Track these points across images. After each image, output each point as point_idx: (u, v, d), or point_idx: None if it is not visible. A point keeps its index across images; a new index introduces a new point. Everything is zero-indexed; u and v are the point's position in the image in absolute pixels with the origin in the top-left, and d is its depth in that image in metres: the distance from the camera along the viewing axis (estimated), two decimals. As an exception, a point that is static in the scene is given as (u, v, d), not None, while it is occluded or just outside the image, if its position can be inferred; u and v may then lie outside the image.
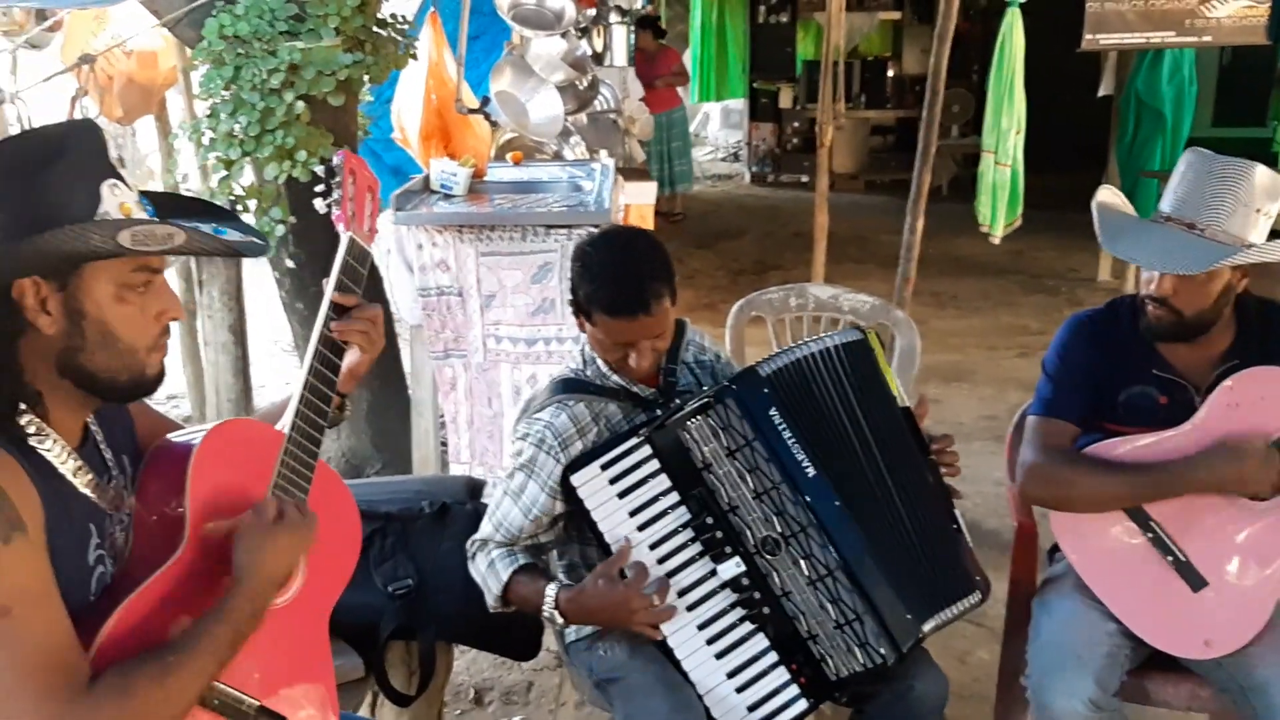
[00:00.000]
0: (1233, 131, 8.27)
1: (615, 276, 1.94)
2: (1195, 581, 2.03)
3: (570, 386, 2.06)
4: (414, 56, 3.59)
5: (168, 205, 1.53)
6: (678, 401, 1.99)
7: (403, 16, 3.55)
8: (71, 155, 1.34)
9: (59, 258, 1.31)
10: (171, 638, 1.37)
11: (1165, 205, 2.08)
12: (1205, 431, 2.02)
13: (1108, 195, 2.20)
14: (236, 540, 1.45)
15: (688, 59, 11.27)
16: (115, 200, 1.36)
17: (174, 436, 1.56)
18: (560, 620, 1.93)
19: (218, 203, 3.06)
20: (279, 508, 1.49)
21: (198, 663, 1.35)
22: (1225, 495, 2.00)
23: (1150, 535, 2.06)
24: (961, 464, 2.09)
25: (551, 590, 1.92)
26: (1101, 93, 7.45)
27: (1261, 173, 2.01)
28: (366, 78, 3.34)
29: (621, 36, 7.77)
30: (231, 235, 1.52)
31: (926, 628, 1.93)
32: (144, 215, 1.40)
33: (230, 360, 3.37)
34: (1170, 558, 2.04)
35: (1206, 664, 2.04)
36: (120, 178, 1.40)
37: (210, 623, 1.38)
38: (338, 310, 1.65)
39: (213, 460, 1.47)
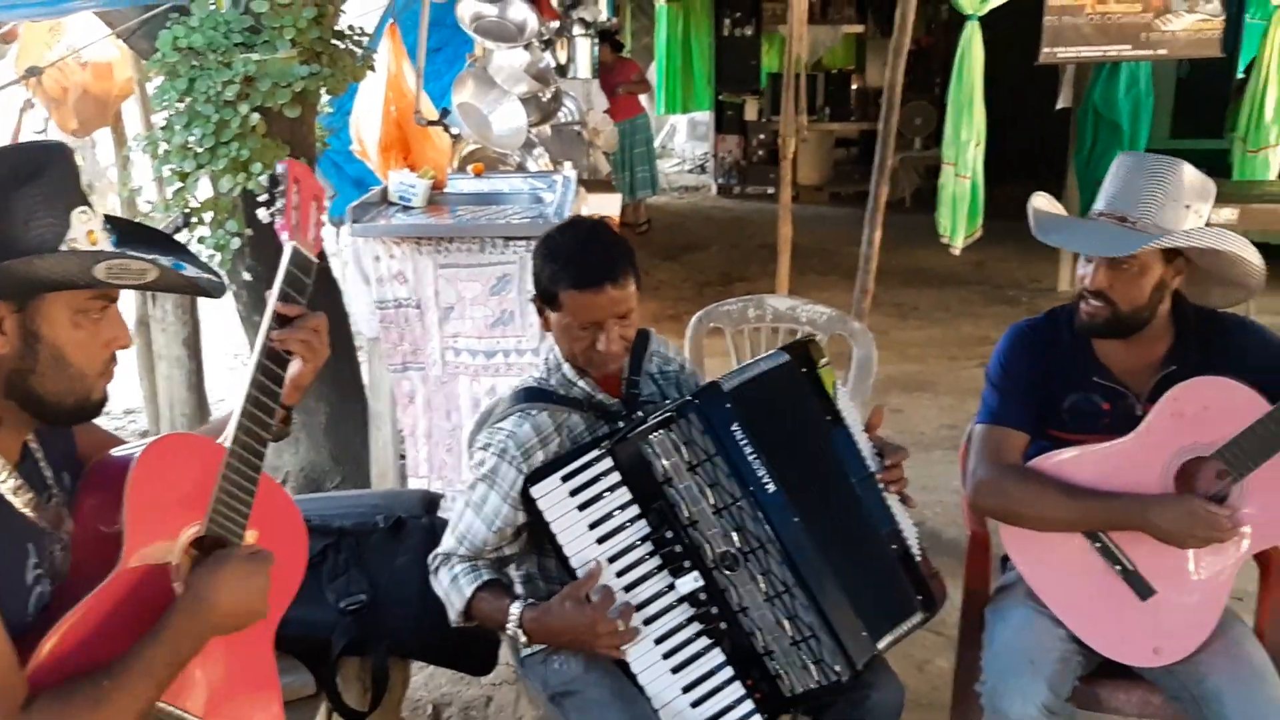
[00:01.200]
0: (1190, 143, 8.36)
1: (582, 252, 1.95)
2: (1143, 590, 2.04)
3: (533, 395, 2.04)
4: (372, 68, 3.58)
5: (128, 233, 1.53)
6: (640, 414, 1.98)
7: (360, 29, 3.54)
8: (44, 179, 1.35)
9: (31, 283, 1.32)
10: (109, 661, 1.35)
11: (1099, 204, 2.12)
12: (1151, 439, 2.05)
13: (1043, 201, 2.24)
14: (210, 563, 1.45)
15: (653, 71, 11.31)
16: (83, 228, 1.37)
17: (114, 452, 1.54)
18: (524, 639, 1.91)
19: (171, 220, 3.04)
20: (265, 556, 1.51)
21: (134, 688, 1.33)
22: (1168, 543, 2.01)
23: (1098, 545, 2.07)
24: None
25: (516, 609, 1.90)
26: (1060, 105, 7.54)
27: (1190, 170, 2.05)
28: (324, 90, 3.32)
29: (585, 49, 7.80)
30: (190, 271, 1.52)
31: (882, 645, 1.93)
32: (108, 243, 1.41)
33: (184, 374, 3.34)
34: (1118, 567, 2.06)
35: (1157, 671, 2.06)
36: (88, 204, 1.40)
37: (147, 646, 1.36)
38: (281, 320, 1.63)
39: (151, 476, 1.45)
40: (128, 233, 1.54)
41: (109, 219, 1.49)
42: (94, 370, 1.42)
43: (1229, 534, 1.98)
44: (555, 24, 6.09)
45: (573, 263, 1.94)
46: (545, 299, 1.99)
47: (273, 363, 1.62)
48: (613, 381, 2.10)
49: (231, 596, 1.45)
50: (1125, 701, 2.14)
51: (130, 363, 4.31)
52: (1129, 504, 2.03)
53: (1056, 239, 2.17)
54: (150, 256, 1.41)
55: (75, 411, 1.43)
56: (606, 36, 9.17)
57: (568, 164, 4.91)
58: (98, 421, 1.56)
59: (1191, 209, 2.04)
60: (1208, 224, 2.08)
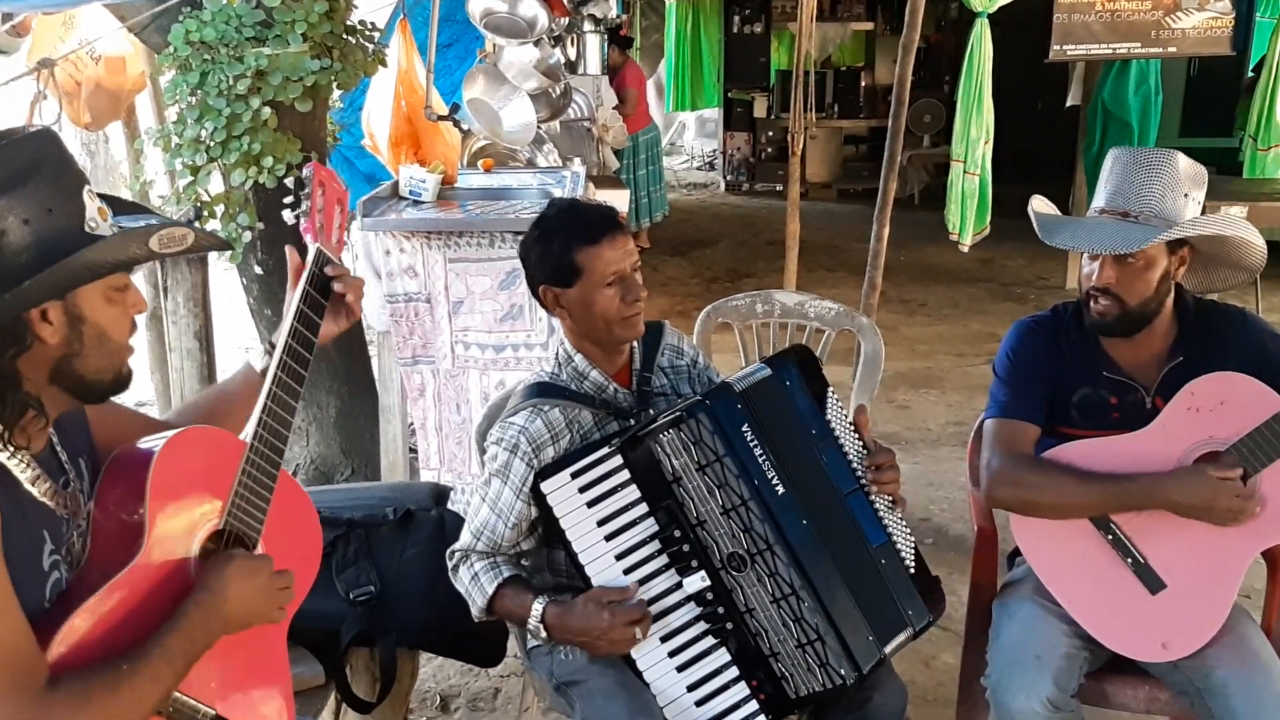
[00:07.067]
0: (1200, 142, 8.34)
1: (578, 213, 2.02)
2: (1153, 584, 2.04)
3: (545, 390, 2.05)
4: (384, 63, 3.59)
5: (112, 204, 1.55)
6: (651, 412, 1.99)
7: (372, 23, 3.55)
8: (48, 165, 1.34)
9: (94, 273, 1.34)
10: (127, 647, 1.36)
11: (1099, 201, 2.12)
12: (1166, 433, 2.04)
13: (1040, 204, 2.26)
14: (220, 560, 1.47)
15: (663, 68, 11.26)
16: (94, 205, 1.39)
17: (141, 443, 1.54)
18: (544, 635, 1.92)
19: (183, 213, 3.06)
20: (265, 559, 1.54)
21: (152, 674, 1.35)
22: (1191, 517, 2.01)
23: (1110, 537, 2.07)
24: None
25: (539, 606, 1.91)
26: (1069, 103, 7.54)
27: (1184, 159, 2.07)
28: (335, 84, 3.33)
29: (595, 45, 7.75)
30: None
31: (888, 649, 1.92)
32: (110, 217, 1.42)
33: (196, 366, 3.35)
34: (1129, 560, 2.06)
35: (1164, 666, 2.06)
36: (88, 180, 1.41)
37: (165, 634, 1.39)
38: (306, 321, 1.65)
39: (174, 466, 1.46)
40: (111, 203, 1.56)
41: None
42: (126, 341, 1.45)
43: (1249, 504, 1.97)
44: (565, 20, 6.06)
45: (578, 222, 1.99)
46: (560, 277, 1.99)
47: (296, 362, 1.63)
48: (623, 374, 2.10)
49: (239, 593, 1.47)
50: (1132, 697, 2.14)
51: (143, 355, 4.32)
52: (1146, 483, 2.02)
53: (1061, 240, 2.14)
54: (176, 220, 1.44)
55: (113, 385, 1.46)
56: (613, 37, 8.78)
57: (576, 160, 4.93)
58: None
59: (1190, 197, 2.06)
60: (1204, 211, 2.09)
